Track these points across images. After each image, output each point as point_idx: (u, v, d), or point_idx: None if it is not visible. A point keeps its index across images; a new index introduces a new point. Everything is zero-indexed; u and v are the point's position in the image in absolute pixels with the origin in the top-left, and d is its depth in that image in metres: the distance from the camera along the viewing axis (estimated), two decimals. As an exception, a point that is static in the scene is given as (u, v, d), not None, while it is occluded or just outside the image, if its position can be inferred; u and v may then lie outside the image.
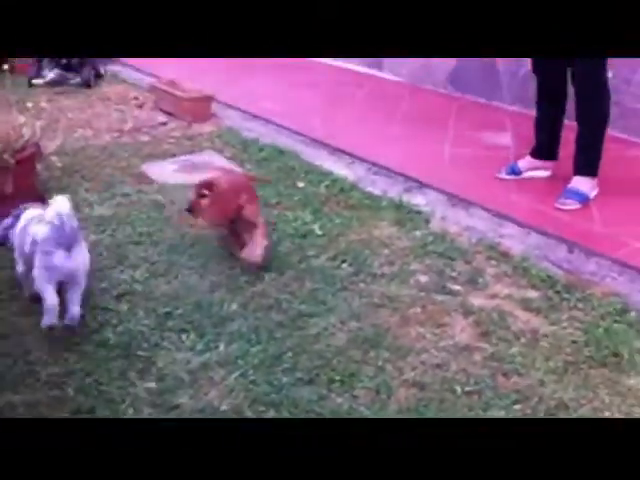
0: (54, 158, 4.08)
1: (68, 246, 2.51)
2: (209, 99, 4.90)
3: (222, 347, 2.53)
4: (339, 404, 2.26)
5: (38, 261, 2.53)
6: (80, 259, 2.57)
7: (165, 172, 3.97)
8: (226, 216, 3.02)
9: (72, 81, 5.53)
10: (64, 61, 5.49)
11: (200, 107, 4.84)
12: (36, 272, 2.54)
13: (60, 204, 2.51)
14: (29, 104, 4.48)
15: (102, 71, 5.76)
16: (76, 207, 2.85)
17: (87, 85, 5.48)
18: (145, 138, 4.52)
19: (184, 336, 2.59)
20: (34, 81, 5.46)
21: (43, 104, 5.04)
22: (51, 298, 2.52)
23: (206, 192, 3.01)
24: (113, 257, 3.09)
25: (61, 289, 2.57)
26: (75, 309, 2.56)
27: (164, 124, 4.78)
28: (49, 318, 2.52)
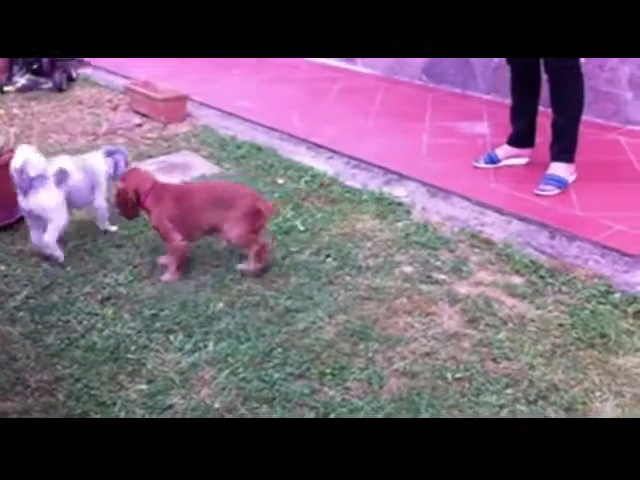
0: (30, 164, 4.03)
1: (24, 190, 2.93)
2: (184, 99, 4.87)
3: (211, 346, 2.52)
4: (332, 396, 2.27)
5: None
6: (34, 203, 2.94)
7: (143, 174, 3.93)
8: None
9: (44, 86, 5.45)
10: (35, 66, 5.41)
11: (175, 107, 4.81)
12: None
13: (17, 156, 2.88)
14: (1, 111, 4.44)
15: (74, 75, 5.68)
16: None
17: (59, 89, 5.41)
18: (121, 140, 4.48)
19: (172, 337, 2.58)
20: (5, 88, 5.37)
21: (15, 110, 4.98)
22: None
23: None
24: (95, 261, 3.07)
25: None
26: (46, 236, 3.00)
27: (139, 125, 4.74)
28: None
